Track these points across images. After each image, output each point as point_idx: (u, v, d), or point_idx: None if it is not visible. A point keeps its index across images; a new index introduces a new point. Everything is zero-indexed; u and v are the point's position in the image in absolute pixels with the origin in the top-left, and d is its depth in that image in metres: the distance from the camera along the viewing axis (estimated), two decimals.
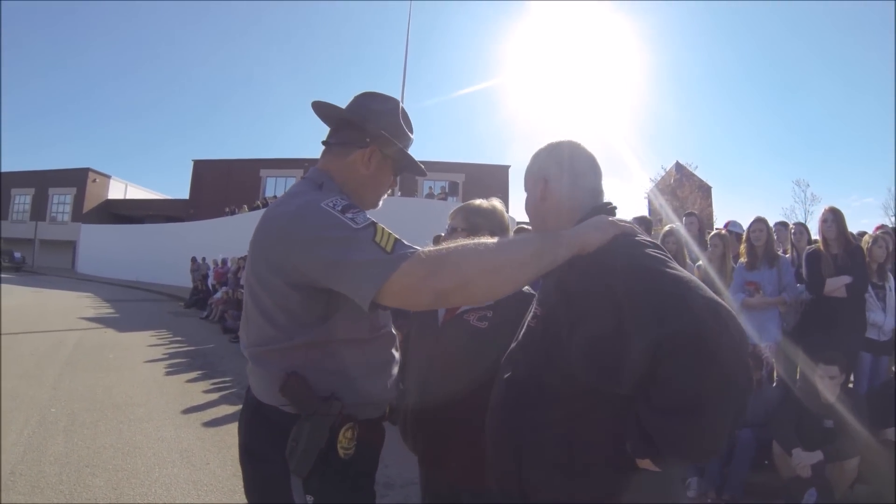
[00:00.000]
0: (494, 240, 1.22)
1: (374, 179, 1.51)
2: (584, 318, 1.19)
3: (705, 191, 33.76)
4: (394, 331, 1.53)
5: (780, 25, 73.53)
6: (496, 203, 2.07)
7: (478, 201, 2.09)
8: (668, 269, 1.14)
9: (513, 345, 1.47)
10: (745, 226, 5.19)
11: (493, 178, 33.62)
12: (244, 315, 1.46)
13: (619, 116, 67.26)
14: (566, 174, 1.43)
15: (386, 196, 1.63)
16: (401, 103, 1.55)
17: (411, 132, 1.56)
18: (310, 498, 1.27)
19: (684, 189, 31.46)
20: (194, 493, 3.74)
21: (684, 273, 1.15)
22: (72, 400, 5.79)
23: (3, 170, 45.23)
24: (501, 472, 1.37)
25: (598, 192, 1.48)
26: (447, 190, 23.77)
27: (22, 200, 46.12)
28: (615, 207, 1.44)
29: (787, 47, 73.04)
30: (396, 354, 1.51)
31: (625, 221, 1.33)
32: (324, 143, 1.54)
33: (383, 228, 1.20)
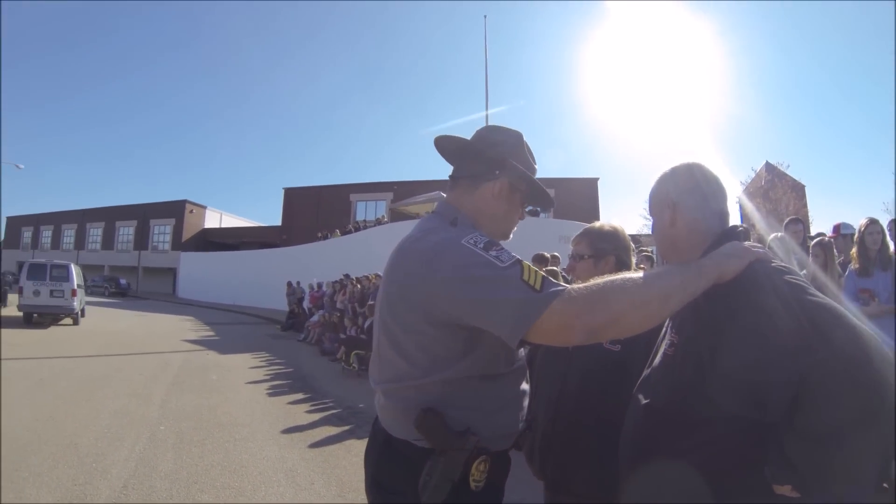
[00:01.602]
0: (638, 274, 1.32)
1: (505, 212, 1.62)
2: (726, 346, 1.27)
3: (799, 190, 31.86)
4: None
5: (866, 21, 66.92)
6: (616, 225, 2.23)
7: (598, 224, 2.26)
8: (810, 297, 1.22)
9: (647, 371, 1.58)
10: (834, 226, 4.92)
11: (582, 192, 34.93)
12: (375, 350, 1.60)
13: (701, 119, 65.13)
14: (695, 198, 1.51)
15: None
16: (524, 135, 1.66)
17: (535, 163, 1.67)
18: None
19: (777, 190, 30.41)
20: None
21: (826, 300, 1.22)
22: (179, 418, 6.46)
23: (108, 204, 54.43)
24: (638, 497, 1.46)
25: (726, 214, 1.55)
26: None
27: (126, 232, 54.39)
28: (746, 229, 1.51)
29: (871, 39, 65.95)
30: (527, 386, 1.62)
31: (757, 246, 1.41)
32: (451, 177, 1.67)
33: (529, 266, 1.30)
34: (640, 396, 1.53)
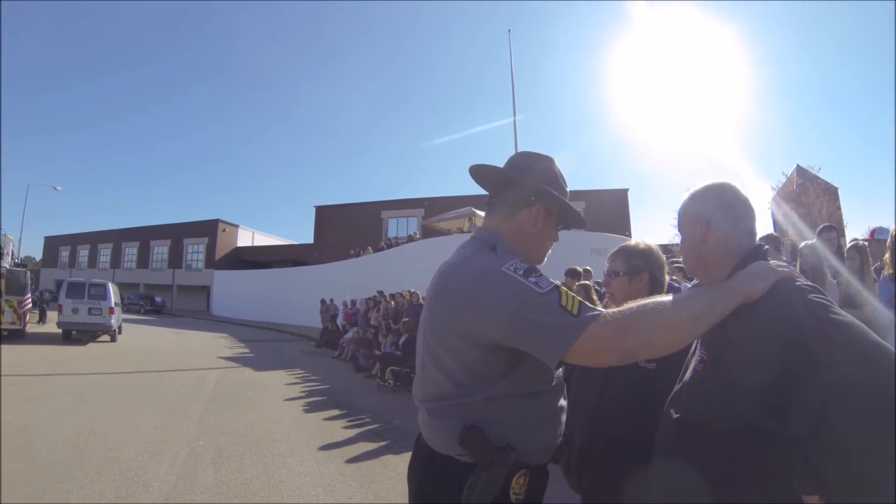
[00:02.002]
0: (669, 297, 1.45)
1: (541, 236, 1.74)
2: (753, 363, 1.36)
3: (832, 193, 30.94)
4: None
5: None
6: (650, 243, 2.38)
7: (633, 242, 2.41)
8: (833, 315, 1.31)
9: (677, 386, 1.69)
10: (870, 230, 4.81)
11: (613, 203, 34.90)
12: (419, 371, 1.73)
13: (728, 125, 64.33)
14: (729, 217, 1.61)
15: None
16: (554, 160, 1.80)
17: (566, 185, 1.79)
18: None
19: (809, 194, 29.71)
20: None
21: (849, 318, 1.31)
22: (217, 434, 6.63)
23: (142, 224, 57.07)
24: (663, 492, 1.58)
25: (754, 233, 1.66)
26: None
27: (160, 251, 56.52)
28: (768, 249, 1.64)
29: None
30: (564, 403, 1.73)
31: (782, 265, 1.51)
32: (488, 203, 1.80)
33: (566, 291, 1.43)
34: (672, 411, 1.64)
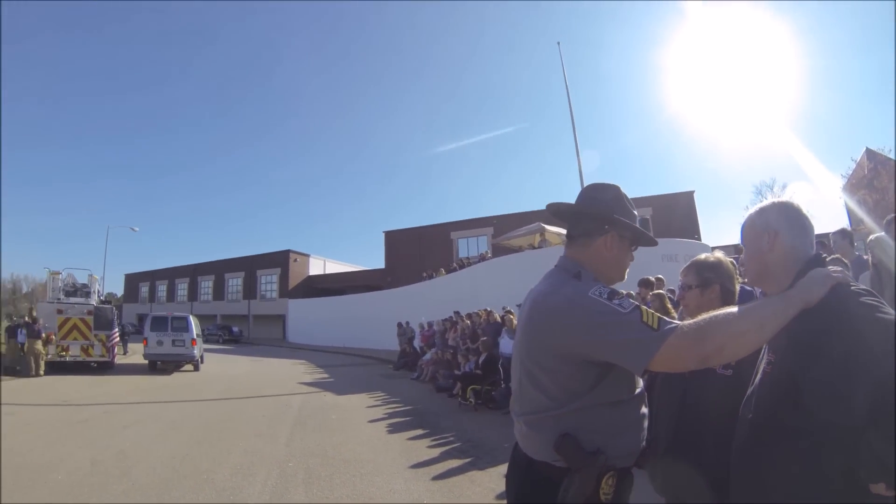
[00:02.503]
0: (736, 309, 1.66)
1: (617, 259, 1.98)
2: (815, 362, 1.55)
3: None
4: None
5: None
6: (720, 255, 2.63)
7: (703, 256, 2.65)
8: (881, 315, 1.50)
9: (750, 390, 1.87)
10: None
11: (680, 207, 34.11)
12: (516, 388, 1.97)
13: (786, 118, 61.26)
14: (794, 228, 1.83)
15: None
16: (620, 187, 2.04)
17: (635, 209, 2.04)
18: None
19: (882, 178, 27.75)
20: None
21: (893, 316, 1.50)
22: (306, 456, 6.88)
23: (217, 258, 60.59)
24: (739, 492, 1.77)
25: (812, 244, 1.87)
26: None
27: (235, 283, 59.84)
28: (826, 257, 1.82)
29: None
30: (646, 410, 1.95)
31: (837, 270, 1.70)
32: (568, 235, 2.06)
33: (646, 309, 1.67)
34: (746, 413, 1.82)
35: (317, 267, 57.11)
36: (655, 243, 2.12)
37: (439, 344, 16.56)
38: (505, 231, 30.08)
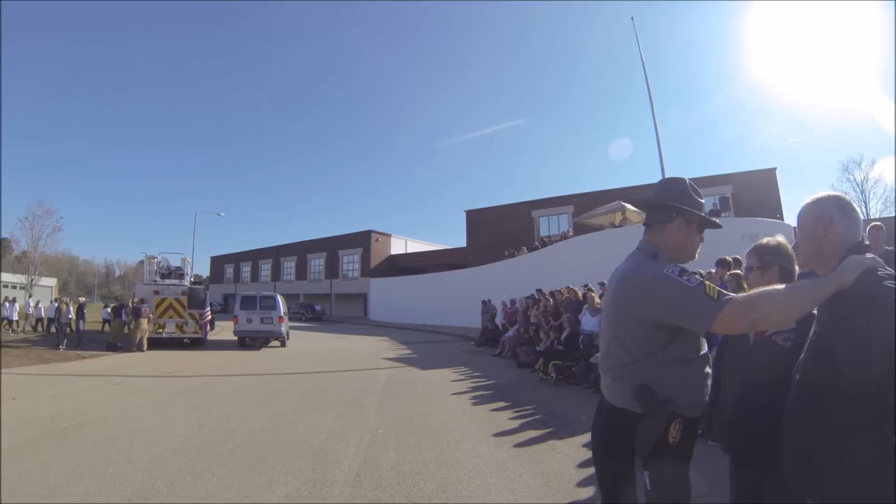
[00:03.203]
0: (783, 286, 2.10)
1: (686, 242, 2.45)
2: (848, 333, 1.86)
3: None
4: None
5: None
6: (780, 239, 2.91)
7: (765, 240, 2.93)
8: None
9: (801, 356, 2.17)
10: None
11: (761, 185, 32.90)
12: (604, 347, 2.50)
13: (875, 84, 55.81)
14: (847, 219, 2.11)
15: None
16: (687, 179, 2.52)
17: (701, 198, 2.50)
18: (646, 473, 2.28)
19: None
20: (512, 498, 4.59)
21: None
22: (394, 424, 7.36)
23: (299, 240, 63.99)
24: (794, 454, 2.05)
25: (860, 233, 2.15)
26: (718, 206, 23.19)
27: (317, 263, 62.60)
28: (868, 245, 2.12)
29: None
30: (710, 370, 2.43)
31: (869, 257, 1.98)
32: (645, 223, 2.55)
33: (709, 283, 2.13)
34: (796, 375, 2.14)
35: (398, 246, 58.56)
36: (719, 227, 2.53)
37: (521, 321, 16.83)
38: (585, 209, 30.20)
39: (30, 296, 36.24)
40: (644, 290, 2.25)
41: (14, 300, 27.96)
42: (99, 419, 7.41)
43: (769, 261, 2.83)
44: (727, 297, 2.07)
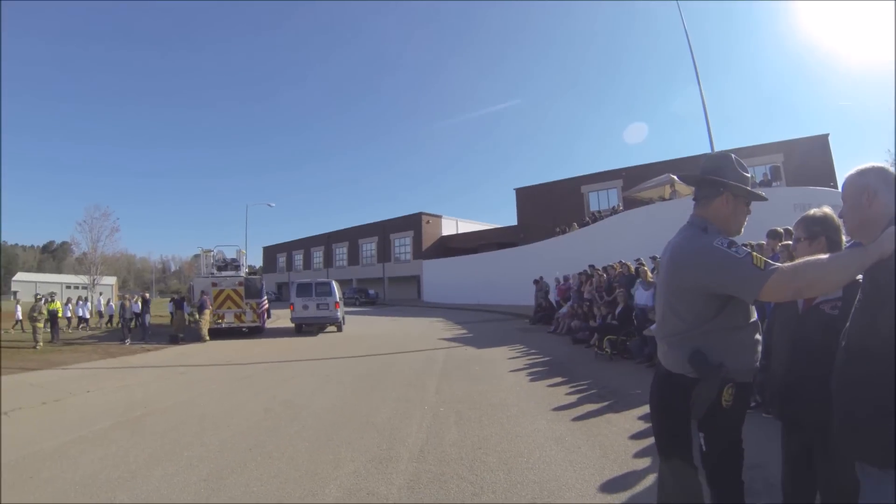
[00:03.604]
0: (825, 256, 2.24)
1: (733, 215, 2.59)
2: (887, 300, 1.95)
3: None
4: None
5: None
6: (827, 210, 3.03)
7: (812, 211, 3.05)
8: None
9: (847, 324, 2.24)
10: None
11: (813, 152, 31.97)
12: (660, 316, 2.66)
13: None
14: (890, 190, 2.20)
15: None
16: (733, 154, 2.64)
17: (747, 172, 2.62)
18: (701, 434, 2.39)
19: None
20: (571, 470, 4.71)
21: None
22: (455, 402, 7.56)
23: (350, 226, 65.22)
24: (842, 417, 2.11)
25: None
26: (769, 176, 22.30)
27: (369, 248, 63.69)
28: None
29: None
30: (760, 337, 2.55)
31: None
32: (694, 198, 2.68)
33: (756, 254, 2.26)
34: (842, 341, 2.21)
35: (449, 227, 58.94)
36: (765, 199, 2.68)
37: (575, 297, 16.85)
38: (634, 183, 30.07)
39: (100, 294, 38.02)
40: (695, 262, 2.39)
41: (86, 299, 29.64)
42: (169, 407, 7.82)
43: (816, 231, 2.94)
44: (773, 266, 2.20)
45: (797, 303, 2.98)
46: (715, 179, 2.56)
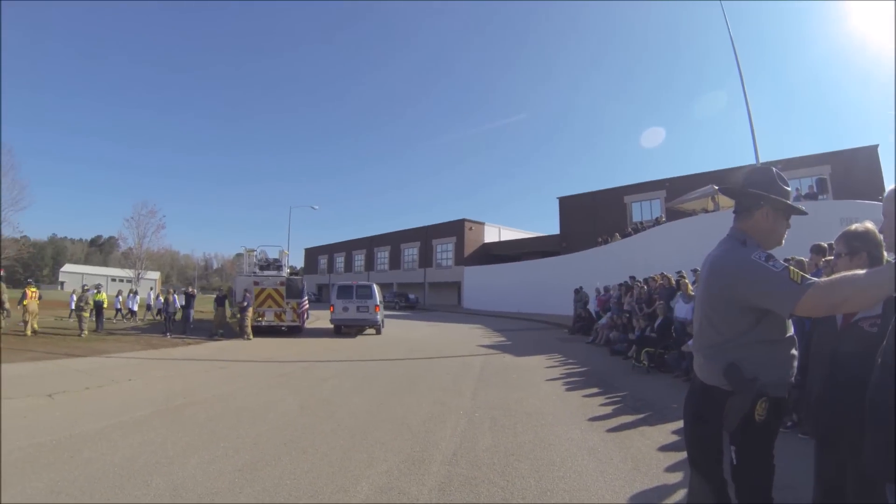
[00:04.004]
0: (863, 272, 2.19)
1: (773, 228, 2.59)
2: None
3: None
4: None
5: None
6: (868, 225, 3.01)
7: (853, 226, 3.05)
8: None
9: (885, 342, 2.24)
10: None
11: (862, 164, 30.74)
12: (697, 328, 2.69)
13: None
14: None
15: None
16: (774, 168, 2.65)
17: (787, 185, 2.64)
18: (733, 448, 2.39)
19: None
20: (601, 481, 4.73)
21: None
22: (490, 408, 7.61)
23: (393, 230, 66.65)
24: (874, 436, 2.09)
25: None
26: (815, 188, 21.60)
27: (410, 253, 64.34)
28: None
29: None
30: (796, 352, 2.53)
31: None
32: (734, 211, 2.69)
33: (793, 269, 2.26)
34: (879, 360, 2.19)
35: (492, 234, 59.20)
36: (805, 213, 2.73)
37: (615, 308, 16.77)
38: (677, 194, 29.91)
39: (150, 289, 39.24)
40: (733, 275, 2.42)
41: (136, 293, 30.71)
42: (208, 399, 8.07)
43: (857, 247, 2.95)
44: (810, 281, 2.21)
45: (836, 319, 2.99)
46: (755, 192, 2.58)
